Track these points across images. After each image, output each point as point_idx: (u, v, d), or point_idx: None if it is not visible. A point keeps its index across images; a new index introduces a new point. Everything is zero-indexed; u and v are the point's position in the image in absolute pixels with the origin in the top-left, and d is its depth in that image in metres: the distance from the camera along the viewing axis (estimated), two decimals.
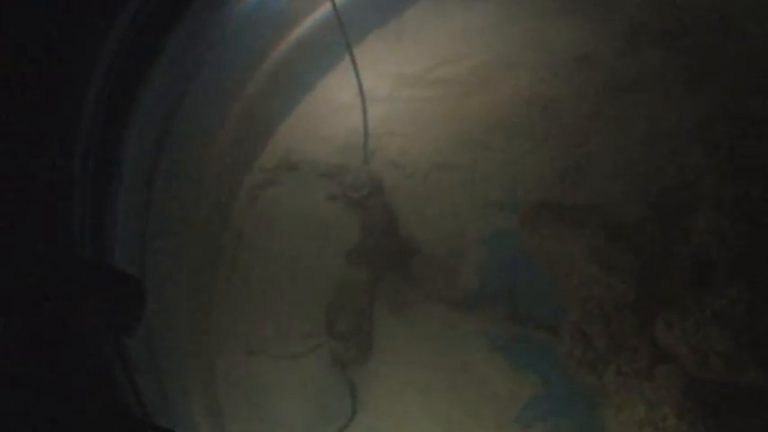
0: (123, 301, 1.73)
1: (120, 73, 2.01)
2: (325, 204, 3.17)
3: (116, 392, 1.69)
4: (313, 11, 3.24)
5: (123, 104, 2.09)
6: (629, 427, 2.53)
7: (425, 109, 3.33)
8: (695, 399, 2.46)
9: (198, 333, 2.91)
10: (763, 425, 2.42)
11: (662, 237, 2.75)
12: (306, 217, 3.15)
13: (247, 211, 3.19)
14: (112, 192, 2.08)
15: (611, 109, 3.11)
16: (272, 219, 3.17)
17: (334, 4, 3.04)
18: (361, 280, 3.00)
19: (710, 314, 2.49)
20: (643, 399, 2.53)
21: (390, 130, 3.29)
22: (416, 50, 3.47)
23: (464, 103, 3.31)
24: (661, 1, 3.35)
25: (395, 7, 3.54)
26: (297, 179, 3.24)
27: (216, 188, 3.07)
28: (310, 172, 3.25)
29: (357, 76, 3.17)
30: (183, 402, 2.63)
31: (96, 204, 1.93)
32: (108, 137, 2.01)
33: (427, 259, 3.00)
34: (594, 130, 3.08)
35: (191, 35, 2.42)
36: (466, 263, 2.96)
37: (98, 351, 1.68)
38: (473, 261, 2.96)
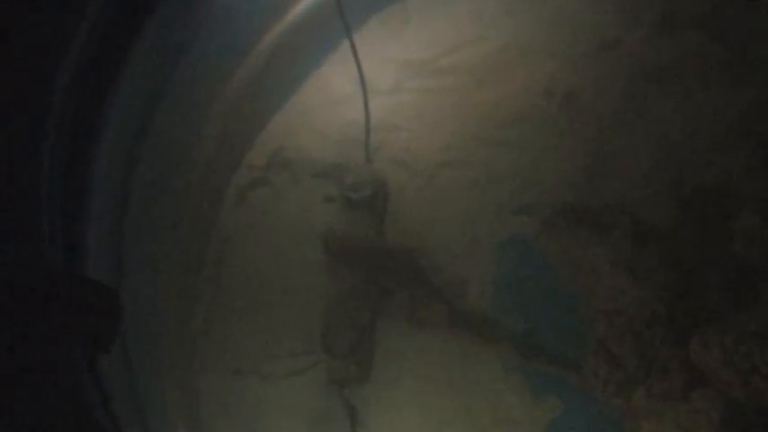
0: (98, 315, 1.72)
1: (95, 59, 2.00)
2: (322, 206, 3.17)
3: (90, 415, 1.68)
4: None
5: (99, 94, 2.09)
6: None
7: (433, 101, 3.33)
8: (735, 426, 2.46)
9: (179, 349, 2.90)
10: None
11: (698, 243, 2.75)
12: (300, 220, 3.15)
13: (235, 213, 3.19)
14: (86, 194, 2.07)
15: (641, 101, 3.11)
16: (262, 222, 3.17)
17: None
18: (362, 291, 2.99)
19: (753, 330, 2.48)
20: (676, 425, 2.53)
21: (394, 124, 3.29)
22: (423, 36, 3.47)
23: (476, 94, 3.31)
24: None
25: None
26: (290, 178, 3.24)
27: (200, 188, 3.06)
28: (305, 171, 3.24)
29: (358, 64, 3.17)
30: (163, 426, 2.62)
31: (69, 207, 1.92)
32: (81, 132, 2.00)
33: (435, 268, 3.00)
34: (621, 124, 3.08)
35: (173, 17, 2.41)
36: (478, 272, 2.96)
37: (70, 370, 1.67)
38: (486, 270, 2.96)
